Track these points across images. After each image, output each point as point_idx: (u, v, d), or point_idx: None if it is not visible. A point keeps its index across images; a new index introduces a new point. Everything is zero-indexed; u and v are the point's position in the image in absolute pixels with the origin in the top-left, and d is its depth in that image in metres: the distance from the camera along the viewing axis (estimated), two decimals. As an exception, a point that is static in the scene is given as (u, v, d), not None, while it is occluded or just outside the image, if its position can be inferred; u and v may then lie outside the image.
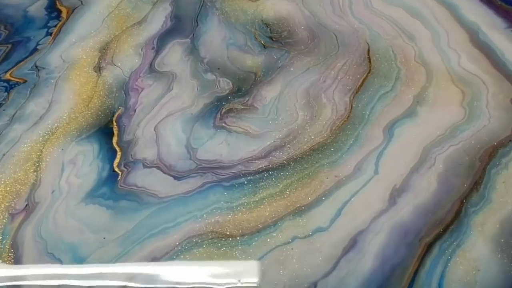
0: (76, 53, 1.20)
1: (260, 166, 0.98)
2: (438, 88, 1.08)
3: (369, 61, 1.14)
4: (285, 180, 0.96)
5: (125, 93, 1.11)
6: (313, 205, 0.92)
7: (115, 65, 1.17)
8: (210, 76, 1.14)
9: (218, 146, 1.02)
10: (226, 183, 0.96)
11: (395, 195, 0.92)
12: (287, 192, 0.94)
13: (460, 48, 1.16)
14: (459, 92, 1.07)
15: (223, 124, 1.05)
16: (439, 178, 0.94)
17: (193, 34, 1.23)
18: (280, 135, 1.02)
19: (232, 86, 1.12)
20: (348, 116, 1.05)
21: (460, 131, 1.01)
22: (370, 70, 1.13)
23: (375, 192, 0.93)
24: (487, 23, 1.20)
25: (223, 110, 1.07)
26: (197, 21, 1.26)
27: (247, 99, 1.09)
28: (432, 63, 1.13)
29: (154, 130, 1.04)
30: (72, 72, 1.16)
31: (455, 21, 1.22)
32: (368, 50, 1.17)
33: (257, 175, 0.97)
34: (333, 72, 1.13)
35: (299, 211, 0.92)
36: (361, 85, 1.10)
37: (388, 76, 1.11)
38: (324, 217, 0.91)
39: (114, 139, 1.03)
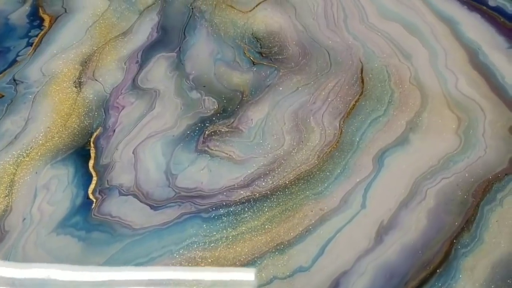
0: (56, 66, 1.14)
1: (242, 196, 0.94)
2: (433, 114, 1.03)
3: (362, 81, 1.09)
4: (267, 213, 0.91)
5: (104, 112, 1.06)
6: (296, 241, 0.88)
7: (96, 80, 1.11)
8: (195, 95, 1.09)
9: (199, 173, 0.97)
10: (205, 214, 0.91)
11: (382, 233, 0.88)
12: (269, 226, 0.90)
13: (458, 69, 1.10)
14: (455, 119, 1.02)
15: (206, 148, 1.00)
16: (429, 215, 0.89)
17: (180, 48, 1.18)
18: (265, 162, 0.97)
19: (217, 106, 1.07)
20: (337, 142, 1.00)
21: (454, 162, 0.95)
22: (362, 92, 1.07)
23: (361, 228, 0.88)
24: (488, 42, 1.14)
25: (207, 133, 1.03)
26: (184, 33, 1.21)
27: (232, 120, 1.04)
28: (428, 85, 1.07)
29: (133, 153, 0.99)
30: (51, 87, 1.11)
31: (455, 39, 1.16)
32: (362, 70, 1.11)
33: (238, 206, 0.92)
34: (323, 93, 1.08)
35: (280, 248, 0.87)
36: (352, 109, 1.05)
37: (381, 99, 1.06)
38: (306, 256, 0.86)
39: (91, 163, 0.98)
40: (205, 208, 0.92)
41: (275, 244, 0.87)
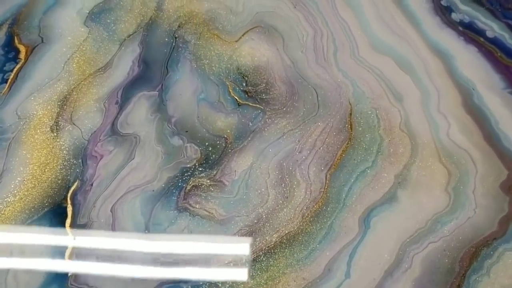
0: (32, 107, 1.09)
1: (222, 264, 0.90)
2: (422, 166, 0.99)
3: (350, 127, 1.05)
4: (247, 283, 0.88)
5: (82, 162, 1.02)
6: (276, 315, 0.85)
7: (74, 124, 1.07)
8: (177, 141, 1.05)
9: (179, 235, 0.93)
10: (184, 284, 0.88)
11: (365, 306, 0.85)
12: (249, 298, 0.87)
13: (451, 113, 1.06)
14: (445, 173, 0.98)
15: (187, 205, 0.97)
16: (415, 286, 0.87)
17: (162, 85, 1.13)
18: (248, 222, 0.94)
19: (200, 154, 1.03)
20: (323, 199, 0.97)
21: (442, 224, 0.93)
22: (350, 139, 1.03)
23: (344, 300, 0.86)
24: (484, 80, 1.10)
25: (188, 187, 0.99)
26: (167, 68, 1.15)
27: (215, 172, 1.00)
28: (419, 132, 1.04)
29: (111, 211, 0.96)
30: (27, 132, 1.06)
31: (449, 76, 1.12)
32: (350, 113, 1.07)
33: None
34: (310, 140, 1.04)
35: (260, 323, 0.85)
36: (339, 159, 1.01)
37: (369, 148, 1.02)
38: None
39: (68, 222, 0.95)
40: (185, 278, 0.89)
41: (255, 318, 0.85)
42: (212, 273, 0.89)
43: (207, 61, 1.17)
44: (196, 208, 0.97)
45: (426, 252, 0.90)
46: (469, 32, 1.19)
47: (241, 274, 0.89)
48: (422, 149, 1.02)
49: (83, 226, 0.95)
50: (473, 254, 0.90)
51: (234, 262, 0.90)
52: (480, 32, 1.20)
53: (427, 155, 1.01)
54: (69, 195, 0.99)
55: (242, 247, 0.93)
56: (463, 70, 1.12)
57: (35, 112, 1.10)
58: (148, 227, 0.94)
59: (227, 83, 1.13)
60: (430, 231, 0.93)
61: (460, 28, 1.20)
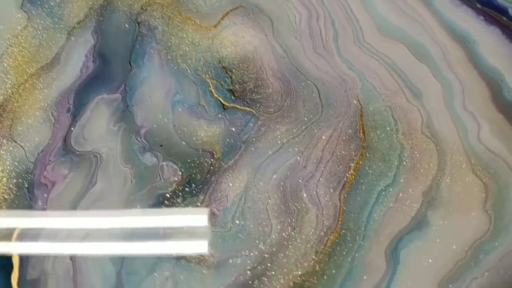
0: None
1: None
2: (454, 180, 0.81)
3: (363, 132, 0.85)
4: None
5: (29, 192, 0.77)
6: None
7: (14, 141, 0.82)
8: (149, 159, 0.82)
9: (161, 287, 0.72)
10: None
11: None
12: None
13: (480, 111, 0.88)
14: (481, 187, 0.80)
15: (169, 246, 0.75)
16: (462, 338, 0.69)
17: (125, 85, 0.89)
18: (249, 264, 0.73)
19: (180, 175, 0.81)
20: (338, 229, 0.77)
21: (485, 253, 0.75)
22: (364, 148, 0.84)
23: None
24: (512, 69, 0.91)
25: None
26: (130, 63, 0.91)
27: (201, 198, 0.78)
28: (445, 136, 0.86)
29: (71, 259, 0.73)
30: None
31: (472, 65, 0.93)
32: (361, 114, 0.87)
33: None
34: (315, 151, 0.84)
35: None
36: (353, 175, 0.81)
37: (388, 158, 0.83)
38: None
39: (14, 277, 0.71)
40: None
41: None
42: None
43: (180, 52, 0.93)
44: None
45: (470, 292, 0.72)
46: (489, 9, 0.99)
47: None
48: (451, 157, 0.83)
49: (35, 282, 0.72)
50: (527, 291, 0.72)
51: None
52: (502, 10, 1.00)
53: (457, 165, 0.83)
54: (13, 239, 0.75)
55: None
56: (487, 57, 0.94)
57: (-39, 128, 0.83)
58: (121, 279, 0.72)
59: (208, 80, 0.90)
60: (471, 264, 0.75)
61: (478, 6, 1.00)
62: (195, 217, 0.74)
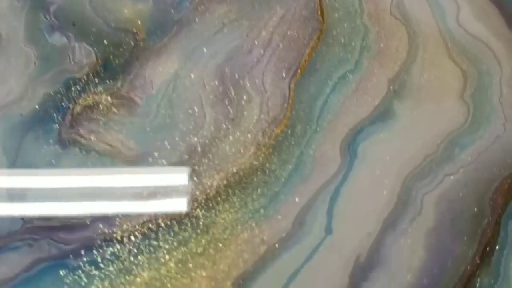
0: None
1: (141, 224, 0.58)
2: (426, 66, 0.72)
3: (321, 14, 0.73)
4: (182, 247, 0.57)
5: None
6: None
7: None
8: (58, 39, 0.71)
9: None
10: (73, 261, 0.55)
11: (358, 277, 0.56)
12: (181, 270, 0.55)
13: (460, -10, 0.76)
14: (459, 74, 0.70)
15: (76, 137, 0.62)
16: (429, 241, 0.59)
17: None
18: (174, 159, 0.60)
19: (95, 58, 0.70)
20: (287, 118, 0.64)
21: (461, 147, 0.63)
22: (321, 31, 0.72)
23: (326, 270, 0.57)
24: None
25: (77, 109, 0.63)
26: None
27: (120, 84, 0.66)
28: (418, 18, 0.76)
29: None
30: None
31: None
32: (320, -9, 0.75)
33: (130, 245, 0.57)
34: (264, 34, 0.73)
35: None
36: (307, 61, 0.69)
37: (350, 43, 0.72)
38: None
39: None
40: (72, 249, 0.55)
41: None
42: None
43: None
44: (90, 140, 0.63)
45: (441, 190, 0.64)
46: None
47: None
48: (425, 41, 0.73)
49: None
50: (509, 188, 0.61)
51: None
52: None
53: (432, 50, 0.74)
54: None
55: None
56: None
57: None
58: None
59: None
60: (444, 158, 0.64)
61: None
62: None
